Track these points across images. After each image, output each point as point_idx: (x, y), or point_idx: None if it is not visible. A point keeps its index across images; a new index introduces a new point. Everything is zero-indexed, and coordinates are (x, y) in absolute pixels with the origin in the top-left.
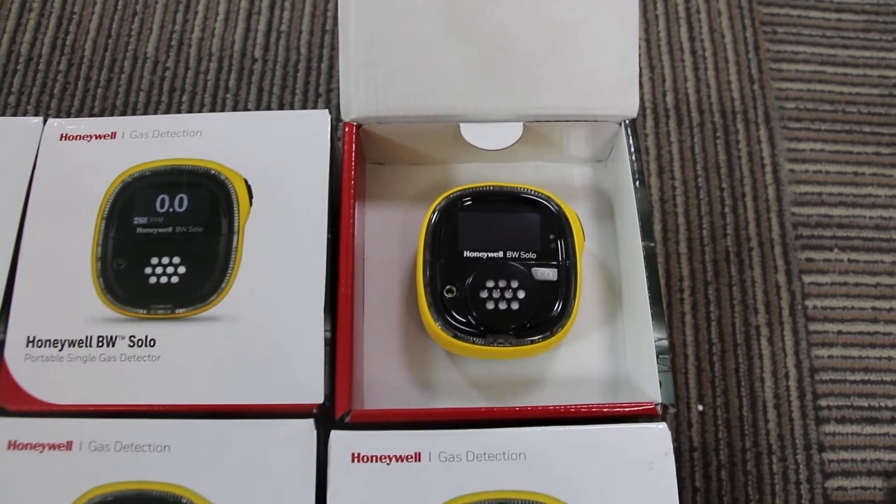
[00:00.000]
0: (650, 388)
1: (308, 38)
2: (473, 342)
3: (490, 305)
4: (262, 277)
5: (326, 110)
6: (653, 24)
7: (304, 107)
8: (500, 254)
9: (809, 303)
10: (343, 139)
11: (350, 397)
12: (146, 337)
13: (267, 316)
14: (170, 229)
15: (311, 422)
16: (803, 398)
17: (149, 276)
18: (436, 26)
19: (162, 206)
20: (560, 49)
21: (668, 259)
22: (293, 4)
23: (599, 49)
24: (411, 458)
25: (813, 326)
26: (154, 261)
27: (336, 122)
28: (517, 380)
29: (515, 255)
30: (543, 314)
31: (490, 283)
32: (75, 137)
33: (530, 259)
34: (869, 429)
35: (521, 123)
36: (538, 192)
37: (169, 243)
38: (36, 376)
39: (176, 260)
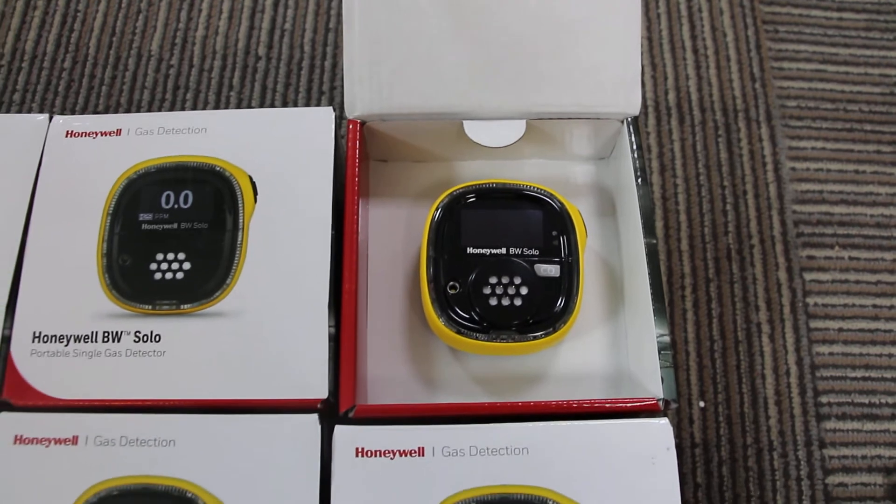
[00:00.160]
0: (652, 383)
1: (312, 36)
2: (476, 338)
3: (493, 301)
4: (267, 273)
5: (330, 107)
6: (655, 23)
7: (307, 104)
8: (503, 250)
9: (810, 300)
10: (347, 136)
11: (354, 392)
12: (151, 332)
13: (271, 312)
14: (175, 226)
15: (315, 417)
16: (804, 395)
17: (154, 272)
18: (439, 24)
19: (167, 202)
20: (563, 47)
21: (670, 256)
22: (297, 3)
23: (602, 47)
24: (415, 452)
25: (814, 323)
26: (159, 257)
27: (339, 119)
28: (520, 376)
29: (518, 251)
30: (546, 310)
31: (493, 280)
32: (81, 134)
33: (533, 256)
34: (869, 425)
35: (525, 121)
36: (541, 189)
37: (174, 239)
38: (42, 371)
39: (181, 256)
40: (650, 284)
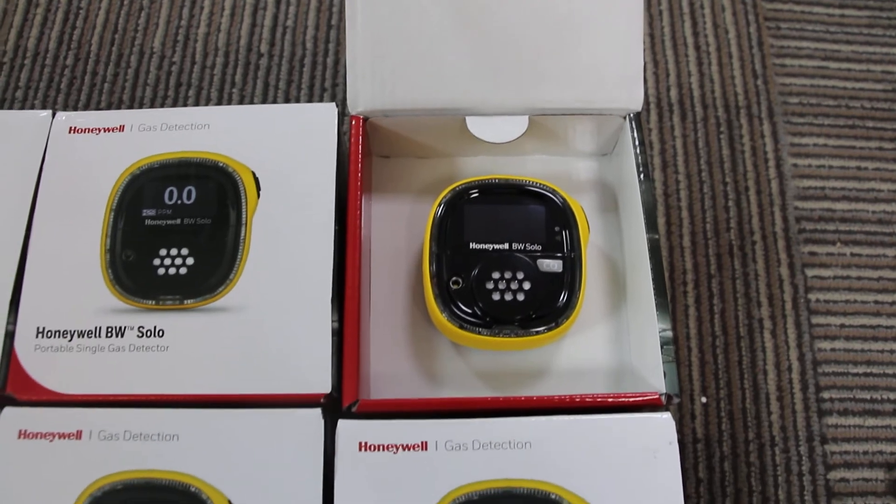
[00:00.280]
0: (654, 378)
1: (314, 33)
2: (479, 333)
3: (496, 297)
4: (270, 269)
5: (333, 104)
6: (657, 20)
7: (310, 101)
8: (506, 246)
9: (812, 296)
10: (350, 132)
11: (357, 387)
12: (155, 327)
13: (275, 307)
14: (178, 221)
15: (318, 411)
16: (806, 390)
17: (157, 267)
18: (442, 20)
19: (170, 198)
20: (565, 43)
21: (672, 252)
22: (299, 0)
23: (604, 43)
24: (418, 446)
25: (816, 319)
26: (163, 252)
27: (342, 115)
28: (522, 371)
29: (521, 247)
30: (548, 305)
31: (496, 275)
32: (84, 130)
33: (536, 251)
34: (871, 421)
35: (527, 117)
36: (543, 185)
37: (177, 235)
38: (46, 366)
39: (184, 251)
40: (653, 279)
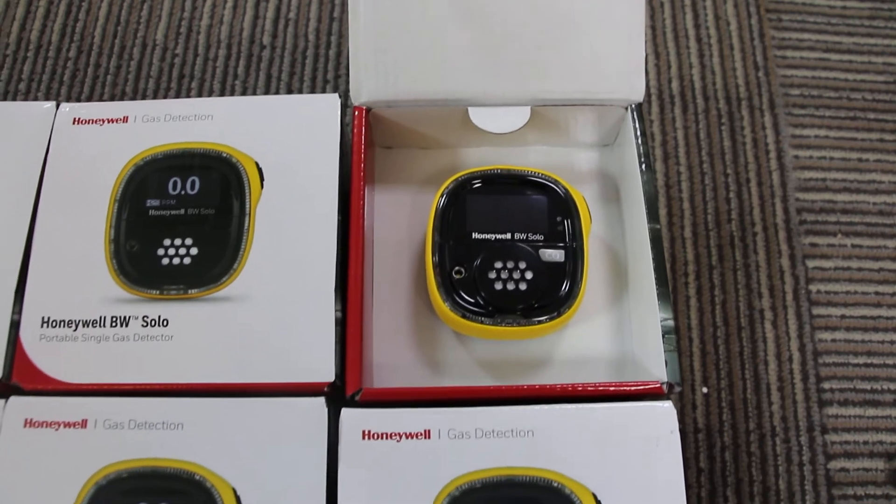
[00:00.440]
0: (656, 367)
1: (316, 25)
2: (482, 322)
3: (498, 286)
4: (274, 258)
5: (336, 94)
6: (658, 12)
7: (312, 93)
8: (509, 235)
9: (813, 287)
10: (353, 123)
11: (360, 376)
12: (159, 317)
13: (278, 296)
14: (182, 211)
15: (322, 400)
16: (806, 381)
17: (161, 257)
18: (444, 11)
19: (174, 188)
20: (567, 34)
21: (673, 243)
22: None
23: (606, 34)
24: (421, 435)
25: (816, 310)
26: (167, 242)
27: (344, 107)
28: (524, 360)
29: (523, 236)
30: (551, 295)
31: (498, 264)
32: (88, 121)
33: (538, 241)
34: (871, 411)
35: (529, 107)
36: (545, 175)
37: (181, 225)
38: (51, 356)
39: (188, 241)
40: (654, 269)
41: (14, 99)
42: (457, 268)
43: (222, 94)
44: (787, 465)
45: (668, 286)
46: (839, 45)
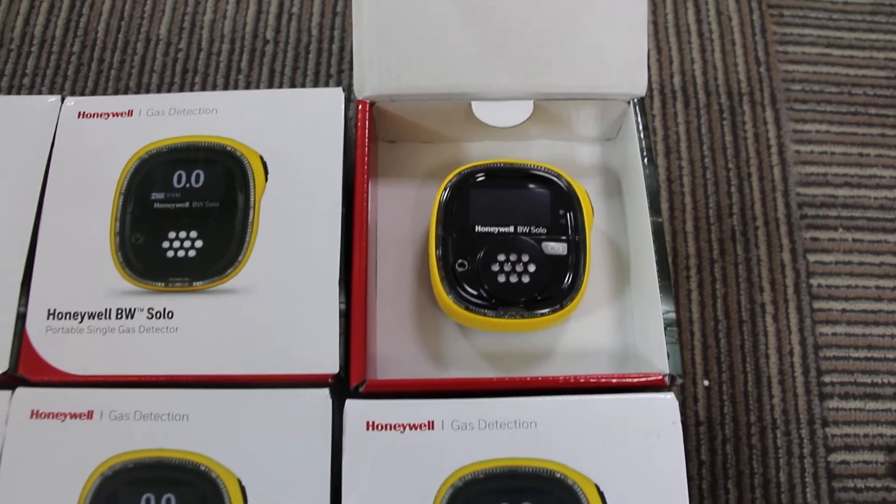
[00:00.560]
0: (658, 359)
1: (319, 19)
2: (485, 314)
3: (501, 279)
4: (278, 251)
5: (340, 88)
6: (660, 7)
7: (315, 87)
8: (511, 229)
9: (814, 281)
10: (356, 117)
11: (364, 368)
12: (164, 309)
13: (283, 289)
14: (187, 204)
15: (326, 391)
16: (807, 374)
17: (166, 250)
18: (448, 5)
19: (179, 181)
20: (570, 28)
21: (675, 237)
22: None
23: (608, 28)
24: (425, 426)
25: (817, 304)
26: (172, 235)
27: (347, 101)
28: (527, 353)
29: (526, 229)
30: (553, 287)
31: (501, 257)
32: (93, 115)
33: (541, 234)
34: (871, 404)
35: (532, 101)
36: (548, 169)
37: (186, 218)
38: (57, 348)
39: (193, 234)
40: (656, 262)
41: (18, 94)
42: (460, 261)
43: (226, 88)
44: (788, 458)
45: (669, 279)
46: (841, 41)
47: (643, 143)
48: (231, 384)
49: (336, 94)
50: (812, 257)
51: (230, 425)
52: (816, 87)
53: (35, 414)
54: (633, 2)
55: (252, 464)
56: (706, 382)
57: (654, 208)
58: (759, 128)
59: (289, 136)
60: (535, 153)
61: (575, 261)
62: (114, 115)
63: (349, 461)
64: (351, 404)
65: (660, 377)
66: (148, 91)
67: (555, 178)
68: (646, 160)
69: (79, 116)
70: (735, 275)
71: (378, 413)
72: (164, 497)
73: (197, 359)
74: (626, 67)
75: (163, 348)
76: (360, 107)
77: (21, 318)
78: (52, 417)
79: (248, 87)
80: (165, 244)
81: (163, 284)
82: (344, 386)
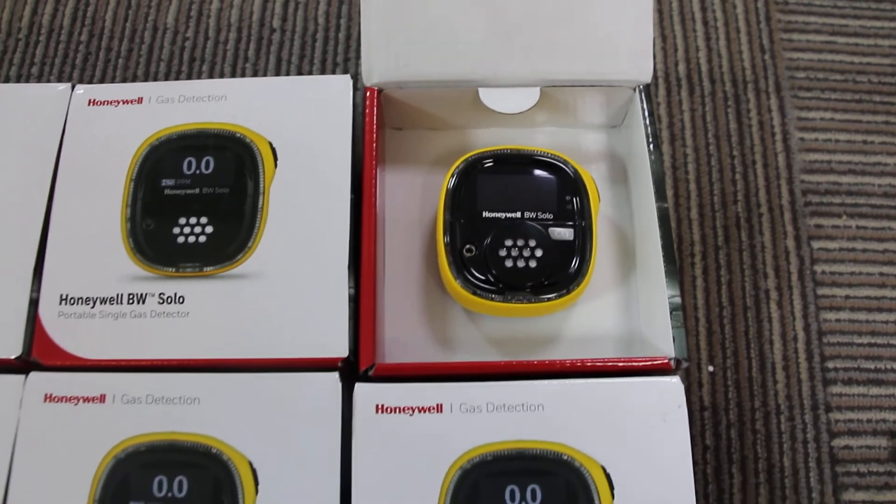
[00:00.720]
0: (663, 343)
1: (325, 8)
2: (492, 299)
3: (508, 264)
4: (288, 236)
5: (348, 75)
6: None
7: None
8: (518, 214)
9: (818, 268)
10: (364, 104)
11: (374, 351)
12: (175, 294)
13: (293, 274)
14: (197, 190)
15: (336, 375)
16: (811, 360)
17: (177, 235)
18: None
19: (189, 168)
20: (576, 15)
21: (680, 224)
22: None
23: (615, 15)
24: (433, 409)
25: (821, 291)
26: (182, 221)
27: (354, 88)
28: (534, 337)
29: (533, 215)
30: (560, 272)
31: (508, 242)
32: (103, 103)
33: (547, 219)
34: (875, 390)
35: (538, 88)
36: (555, 155)
37: (196, 204)
38: (69, 332)
39: (203, 220)
40: (662, 246)
41: (27, 82)
42: (468, 246)
43: (233, 76)
44: (792, 443)
45: (675, 264)
46: (845, 28)
47: (649, 129)
48: (241, 368)
49: (344, 81)
50: (816, 244)
51: (241, 408)
52: (821, 74)
53: (48, 398)
54: None
55: (263, 446)
56: (711, 368)
57: (660, 194)
58: (763, 115)
59: (298, 123)
60: (541, 140)
61: (581, 246)
62: (124, 103)
63: (359, 443)
64: (360, 388)
65: (665, 361)
66: (156, 79)
67: (561, 165)
68: (651, 146)
69: (89, 104)
70: (739, 261)
71: (387, 396)
72: (177, 479)
73: (208, 343)
74: (632, 54)
75: (174, 333)
76: (367, 94)
77: (34, 303)
78: (66, 401)
79: (255, 75)
80: (176, 230)
81: (173, 270)
82: (353, 369)
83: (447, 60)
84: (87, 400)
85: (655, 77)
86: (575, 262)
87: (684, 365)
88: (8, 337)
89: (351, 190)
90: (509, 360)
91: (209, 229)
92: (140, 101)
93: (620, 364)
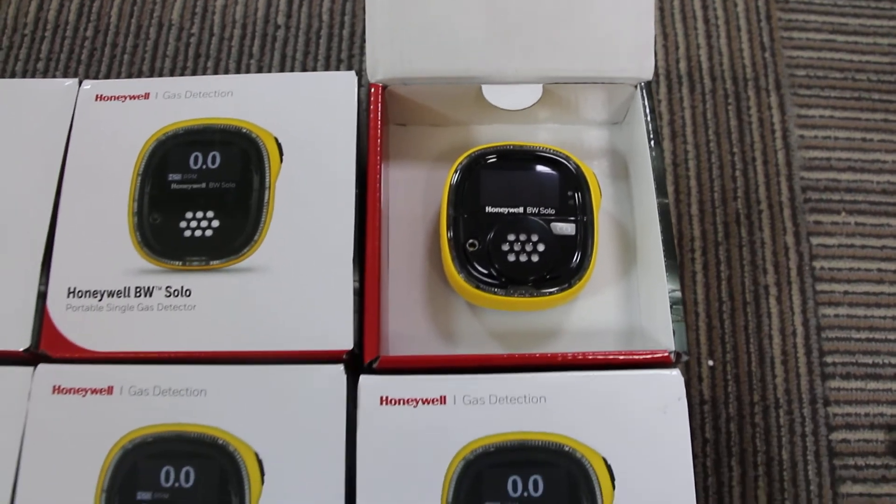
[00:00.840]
0: (664, 337)
1: (330, 5)
2: (494, 293)
3: (511, 258)
4: (293, 231)
5: (352, 72)
6: None
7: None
8: (521, 209)
9: (817, 264)
10: (369, 100)
11: (378, 344)
12: (182, 287)
13: (298, 267)
14: (203, 185)
15: (340, 367)
16: (810, 355)
17: (184, 229)
18: None
19: (195, 163)
20: (578, 13)
21: (680, 220)
22: None
23: (617, 13)
24: (437, 401)
25: (820, 286)
26: (189, 215)
27: (359, 85)
28: (536, 331)
29: (535, 210)
30: (562, 267)
31: (511, 237)
32: (110, 98)
33: (549, 214)
34: (873, 384)
35: (541, 84)
36: (557, 151)
37: (203, 198)
38: (77, 325)
39: (210, 214)
40: (663, 241)
41: (33, 78)
42: (471, 240)
43: (238, 73)
44: (790, 437)
45: (675, 258)
46: (845, 27)
47: (650, 126)
48: (248, 360)
49: (349, 78)
50: (815, 240)
51: (247, 400)
52: (821, 72)
53: (57, 389)
54: None
55: (269, 437)
56: (711, 362)
57: (661, 190)
58: (763, 113)
59: (303, 119)
60: (543, 137)
61: (583, 241)
62: (130, 98)
63: (363, 435)
64: (365, 380)
65: (665, 354)
66: (161, 75)
67: (563, 161)
68: (652, 143)
69: (96, 99)
70: (739, 257)
71: (391, 388)
72: (184, 470)
73: (214, 335)
74: (634, 52)
75: (180, 325)
76: (372, 90)
77: (42, 296)
78: (74, 393)
79: (259, 71)
80: (182, 224)
81: (180, 263)
82: (358, 362)
83: (451, 57)
84: (94, 392)
85: (656, 74)
86: (576, 257)
87: (684, 358)
88: (16, 329)
89: (355, 185)
90: (512, 353)
91: (215, 223)
92: (147, 96)
93: (621, 357)
